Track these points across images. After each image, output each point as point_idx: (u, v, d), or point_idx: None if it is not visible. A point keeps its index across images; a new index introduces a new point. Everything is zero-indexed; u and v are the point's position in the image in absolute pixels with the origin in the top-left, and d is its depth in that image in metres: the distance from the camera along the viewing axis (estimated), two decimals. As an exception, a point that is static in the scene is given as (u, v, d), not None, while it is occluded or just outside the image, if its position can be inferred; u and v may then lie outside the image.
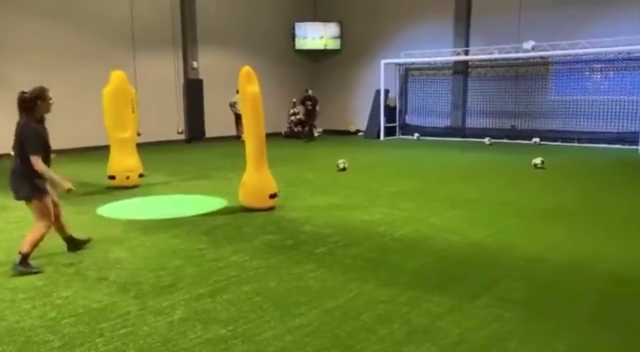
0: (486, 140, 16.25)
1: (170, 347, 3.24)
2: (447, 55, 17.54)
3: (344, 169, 10.52)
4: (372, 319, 3.62)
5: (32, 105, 4.69)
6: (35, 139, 4.65)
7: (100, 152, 10.55)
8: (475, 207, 7.27)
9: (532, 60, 16.00)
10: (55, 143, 14.09)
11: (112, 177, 8.68)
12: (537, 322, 3.58)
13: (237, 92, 16.81)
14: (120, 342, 3.30)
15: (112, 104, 8.64)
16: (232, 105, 17.58)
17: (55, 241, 5.63)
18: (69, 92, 14.01)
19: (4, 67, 12.96)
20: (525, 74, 16.49)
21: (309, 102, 17.46)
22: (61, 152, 13.06)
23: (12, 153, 4.79)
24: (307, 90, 17.75)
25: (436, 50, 17.62)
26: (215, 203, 7.55)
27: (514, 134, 16.51)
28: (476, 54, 16.89)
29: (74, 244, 5.26)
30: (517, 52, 15.71)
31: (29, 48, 13.41)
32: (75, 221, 6.53)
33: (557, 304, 3.90)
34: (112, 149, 8.81)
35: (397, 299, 3.96)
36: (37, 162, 4.61)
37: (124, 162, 8.71)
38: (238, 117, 17.63)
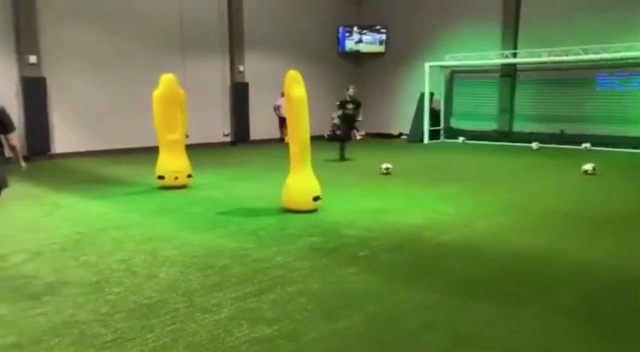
0: (534, 145, 15.84)
1: (217, 344, 3.31)
2: (494, 58, 17.21)
3: (387, 172, 10.46)
4: (417, 324, 3.60)
5: None
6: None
7: (150, 153, 10.86)
8: (523, 213, 7.11)
9: (582, 63, 15.50)
10: (106, 143, 14.56)
11: (161, 177, 8.92)
12: (589, 333, 3.48)
13: (282, 95, 17.20)
14: (169, 339, 3.40)
15: (162, 106, 8.88)
16: (277, 108, 17.77)
17: (109, 242, 5.84)
18: (120, 94, 14.52)
19: (59, 71, 13.51)
20: (576, 77, 15.99)
21: (350, 105, 13.90)
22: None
23: None
24: (347, 89, 14.20)
25: (483, 53, 17.32)
26: (259, 204, 7.65)
27: (563, 139, 16.02)
28: (524, 57, 16.50)
29: None
30: (567, 55, 15.25)
31: (83, 53, 13.94)
32: (124, 219, 6.76)
33: (609, 314, 3.78)
34: (161, 150, 9.06)
35: (443, 305, 3.92)
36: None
37: (173, 162, 8.94)
38: (282, 120, 17.71)
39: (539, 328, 3.54)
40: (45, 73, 13.19)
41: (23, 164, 5.30)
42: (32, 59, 12.93)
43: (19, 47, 12.86)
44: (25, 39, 12.87)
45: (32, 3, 12.94)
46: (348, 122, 13.97)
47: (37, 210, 7.31)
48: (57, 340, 3.38)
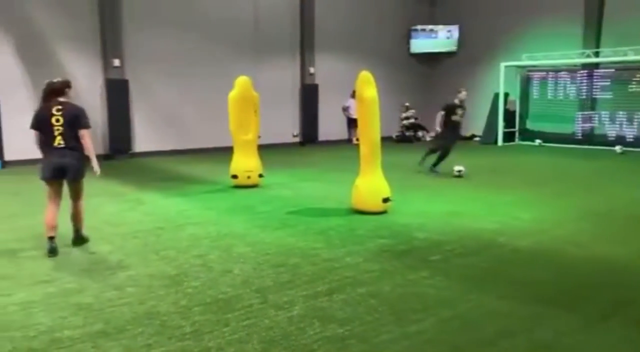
0: (617, 148, 14.96)
1: (290, 341, 3.37)
2: (574, 57, 16.41)
3: (460, 175, 10.22)
4: (493, 331, 3.51)
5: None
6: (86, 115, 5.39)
7: (224, 153, 11.21)
8: (605, 220, 6.74)
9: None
10: (183, 143, 15.09)
11: (235, 177, 9.19)
12: (681, 351, 3.26)
13: (352, 96, 17.22)
14: (244, 333, 3.50)
15: (237, 107, 9.14)
16: (345, 109, 17.85)
17: (187, 238, 6.09)
18: (196, 96, 15.07)
19: (140, 74, 14.21)
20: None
21: (459, 111, 10.84)
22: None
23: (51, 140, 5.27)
24: (459, 92, 11.14)
25: (562, 52, 16.56)
26: (328, 205, 7.72)
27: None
28: (608, 56, 15.62)
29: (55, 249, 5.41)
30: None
31: (162, 56, 14.57)
32: (201, 216, 7.02)
33: None
34: (235, 150, 9.32)
35: (519, 313, 3.80)
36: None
37: (246, 162, 9.19)
38: (351, 121, 17.43)
39: (623, 342, 3.35)
40: (127, 75, 13.92)
41: (96, 167, 5.43)
42: (116, 62, 13.69)
43: (104, 51, 13.65)
44: (110, 43, 13.64)
45: (117, 10, 13.70)
46: (455, 131, 11.00)
47: (121, 206, 7.73)
48: (140, 330, 3.57)
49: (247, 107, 9.22)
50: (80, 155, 5.37)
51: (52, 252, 5.24)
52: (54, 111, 5.28)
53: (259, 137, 9.61)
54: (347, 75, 15.77)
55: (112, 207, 7.71)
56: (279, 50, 16.93)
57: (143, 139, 14.39)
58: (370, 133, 7.07)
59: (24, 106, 13.07)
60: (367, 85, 7.03)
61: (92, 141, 5.44)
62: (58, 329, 3.58)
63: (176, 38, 14.79)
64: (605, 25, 16.17)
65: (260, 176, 9.33)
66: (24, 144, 12.50)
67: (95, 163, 5.45)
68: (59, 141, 5.27)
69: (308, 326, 3.59)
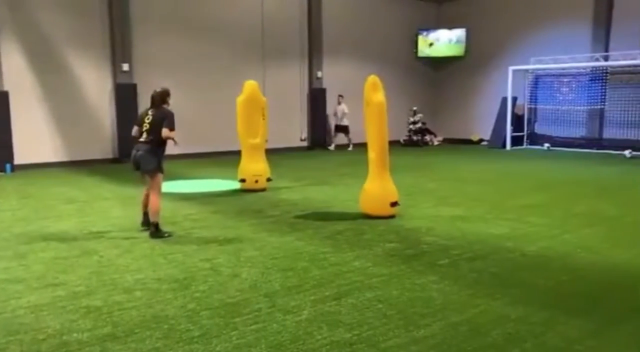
0: (627, 153, 14.85)
1: (298, 346, 3.36)
2: (583, 60, 16.34)
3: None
4: (502, 337, 3.48)
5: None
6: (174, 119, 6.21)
7: (232, 157, 11.25)
8: (616, 225, 6.69)
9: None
10: (191, 148, 15.23)
11: (243, 180, 9.21)
12: (694, 357, 3.22)
13: (339, 102, 17.19)
14: (252, 337, 3.49)
15: (245, 111, 9.17)
16: (334, 114, 17.70)
17: (195, 241, 6.10)
18: (204, 100, 15.12)
19: (148, 78, 14.26)
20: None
21: None
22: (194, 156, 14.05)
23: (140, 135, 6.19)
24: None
25: (571, 55, 16.49)
26: (336, 209, 7.71)
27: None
28: (617, 60, 15.53)
29: (147, 221, 6.33)
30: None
31: (170, 61, 14.66)
32: (209, 220, 7.03)
33: None
34: (243, 154, 9.34)
35: (529, 318, 3.77)
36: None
37: (254, 166, 9.21)
38: (337, 128, 17.62)
39: (633, 348, 3.31)
40: (136, 80, 14.00)
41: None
42: (125, 66, 13.78)
43: (114, 56, 13.75)
44: (119, 48, 13.74)
45: (126, 15, 13.80)
46: None
47: (130, 209, 7.74)
48: (148, 333, 3.57)
49: (255, 111, 9.24)
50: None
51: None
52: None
53: (267, 141, 9.63)
54: (354, 80, 15.76)
55: (120, 210, 7.75)
56: (287, 55, 16.97)
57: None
58: (378, 137, 7.06)
59: (34, 111, 13.19)
60: (375, 90, 7.03)
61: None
62: (67, 332, 3.59)
63: (185, 43, 14.88)
64: (614, 29, 16.10)
65: (269, 179, 9.35)
66: (33, 148, 12.74)
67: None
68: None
69: (316, 331, 3.58)
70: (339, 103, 17.46)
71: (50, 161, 12.89)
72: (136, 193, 9.10)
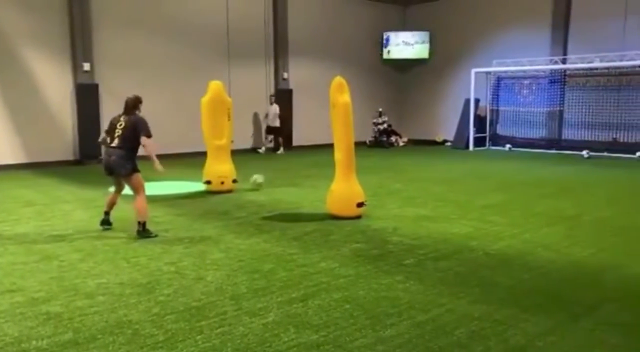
0: (584, 153, 15.34)
1: (265, 348, 3.35)
2: (543, 63, 16.80)
3: (258, 184, 9.52)
4: (466, 335, 3.54)
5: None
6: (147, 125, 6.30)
7: (197, 158, 11.12)
8: (574, 223, 6.90)
9: (638, 68, 14.92)
10: (156, 149, 14.77)
11: (208, 182, 9.11)
12: (648, 350, 3.34)
13: (271, 103, 16.48)
14: (218, 341, 3.45)
15: (210, 112, 9.07)
16: (267, 116, 17.02)
17: (159, 245, 6.00)
18: (168, 101, 14.89)
19: (110, 78, 13.99)
20: (630, 83, 15.41)
21: None
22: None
23: (109, 140, 6.30)
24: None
25: (531, 58, 16.93)
26: (303, 210, 7.70)
27: (615, 147, 15.45)
28: (575, 63, 16.04)
29: (107, 220, 6.58)
30: (621, 60, 14.73)
31: (133, 61, 14.40)
32: (174, 222, 6.93)
33: (670, 332, 3.62)
34: (208, 156, 9.24)
35: (492, 316, 3.85)
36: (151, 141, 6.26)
37: (219, 167, 9.12)
38: (271, 130, 16.85)
39: (594, 344, 3.42)
40: (98, 80, 13.69)
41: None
42: (86, 66, 13.46)
43: (74, 55, 13.41)
44: (80, 47, 13.41)
45: (87, 13, 13.48)
46: None
47: (91, 212, 7.56)
48: (111, 339, 3.49)
49: (220, 112, 9.16)
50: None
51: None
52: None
53: (233, 142, 9.55)
54: (321, 80, 15.78)
55: (82, 213, 7.57)
56: (253, 56, 16.88)
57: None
58: (344, 138, 7.09)
59: (-11, 110, 12.72)
60: (341, 91, 7.06)
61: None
62: (25, 340, 3.48)
63: (149, 42, 14.63)
64: (571, 33, 16.60)
65: (234, 181, 9.27)
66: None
67: None
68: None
69: (283, 333, 3.57)
70: (271, 103, 16.84)
71: (8, 163, 12.48)
72: (97, 196, 8.92)
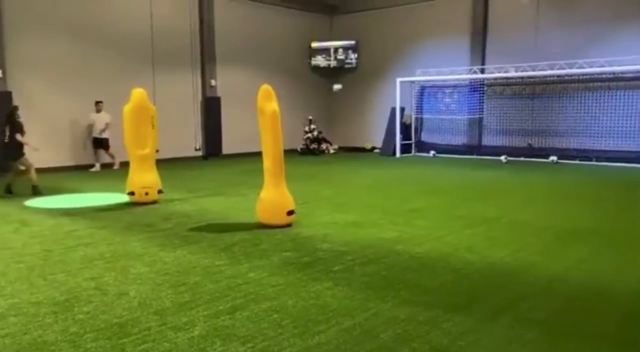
0: (502, 158, 16.16)
1: (190, 363, 3.26)
2: (463, 73, 17.57)
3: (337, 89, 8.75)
4: (392, 338, 3.61)
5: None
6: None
7: (121, 168, 10.72)
8: (494, 225, 7.23)
9: (549, 78, 15.94)
10: (75, 159, 14.48)
11: (132, 193, 8.79)
12: (560, 344, 3.54)
13: (97, 111, 13.84)
14: (141, 358, 3.33)
15: (133, 120, 8.79)
16: (92, 125, 14.17)
17: (79, 260, 5.72)
18: (90, 109, 14.26)
19: (26, 85, 13.24)
20: (543, 92, 16.43)
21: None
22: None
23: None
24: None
25: (452, 68, 17.67)
26: (232, 220, 7.60)
27: (530, 152, 16.39)
28: (492, 72, 16.89)
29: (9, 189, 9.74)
30: (533, 70, 15.68)
31: (50, 67, 13.71)
32: (95, 236, 6.63)
33: (579, 325, 3.86)
34: (131, 166, 8.93)
35: (417, 318, 3.95)
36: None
37: (143, 178, 8.82)
38: (98, 143, 14.12)
39: (512, 340, 3.59)
40: (10, 87, 12.91)
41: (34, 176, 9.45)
42: (-3, 72, 12.66)
43: (-16, 60, 12.59)
44: (-10, 52, 12.62)
45: (-2, 16, 12.71)
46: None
47: (3, 227, 7.11)
48: (23, 362, 3.28)
49: (144, 120, 8.89)
50: None
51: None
52: None
53: (157, 151, 9.28)
54: (250, 88, 15.62)
55: (-8, 229, 7.07)
56: (179, 61, 16.53)
57: (30, 155, 13.34)
58: (273, 146, 7.07)
59: None
60: (269, 99, 7.05)
61: None
62: None
63: (66, 47, 14.00)
64: (489, 44, 17.48)
65: (160, 191, 9.01)
66: None
67: None
68: None
69: (209, 346, 3.49)
70: (98, 111, 14.02)
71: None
72: (9, 210, 8.39)
